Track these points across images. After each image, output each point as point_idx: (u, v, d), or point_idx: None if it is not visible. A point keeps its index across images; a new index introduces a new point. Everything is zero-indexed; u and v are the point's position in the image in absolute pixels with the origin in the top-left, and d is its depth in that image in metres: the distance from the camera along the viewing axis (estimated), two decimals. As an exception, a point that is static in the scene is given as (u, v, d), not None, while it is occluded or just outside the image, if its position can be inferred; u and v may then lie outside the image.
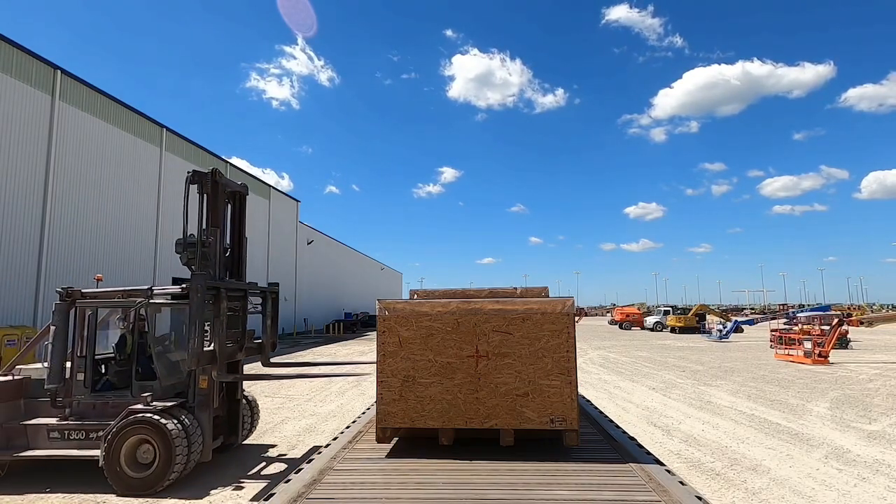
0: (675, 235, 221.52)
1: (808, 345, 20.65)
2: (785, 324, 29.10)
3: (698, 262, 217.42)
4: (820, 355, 20.03)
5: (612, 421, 4.51)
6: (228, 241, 7.88)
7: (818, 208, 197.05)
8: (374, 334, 3.98)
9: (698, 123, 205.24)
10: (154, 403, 6.43)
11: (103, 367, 7.38)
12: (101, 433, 6.48)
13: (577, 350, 3.50)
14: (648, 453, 3.42)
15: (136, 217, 25.34)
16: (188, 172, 7.14)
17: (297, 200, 47.77)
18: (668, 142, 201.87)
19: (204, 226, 7.07)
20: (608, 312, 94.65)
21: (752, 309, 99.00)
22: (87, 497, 6.30)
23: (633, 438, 3.83)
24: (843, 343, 25.22)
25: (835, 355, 21.40)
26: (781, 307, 75.78)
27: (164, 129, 27.86)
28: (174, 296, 7.25)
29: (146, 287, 7.08)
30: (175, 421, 6.25)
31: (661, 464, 3.15)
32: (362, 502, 2.68)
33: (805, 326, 24.27)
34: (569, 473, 3.03)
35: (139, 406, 6.39)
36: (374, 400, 3.73)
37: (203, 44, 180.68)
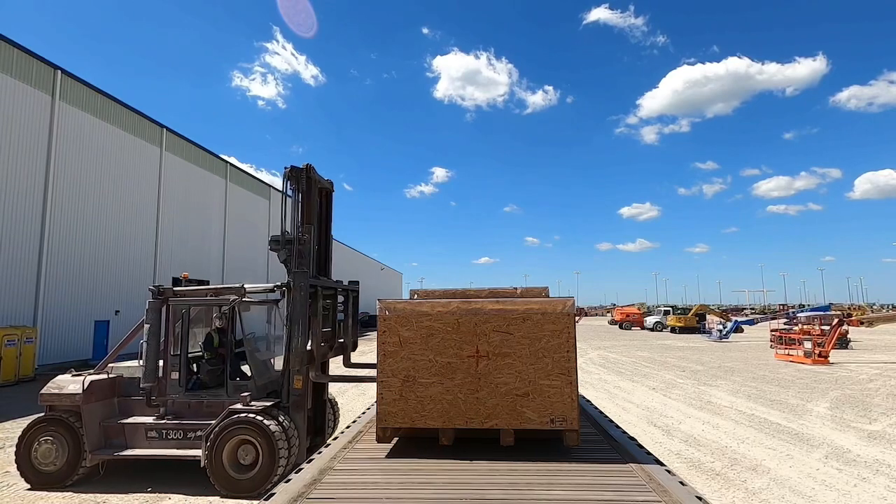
0: (671, 235, 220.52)
1: (808, 345, 20.65)
2: (785, 324, 29.09)
3: (696, 261, 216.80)
4: (820, 355, 20.03)
5: (612, 421, 4.51)
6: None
7: (813, 207, 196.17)
8: (374, 334, 3.98)
9: (688, 122, 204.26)
10: (252, 404, 6.36)
11: (194, 365, 7.33)
12: (199, 433, 6.44)
13: (578, 350, 3.50)
14: (649, 453, 3.41)
15: (136, 217, 25.34)
16: (286, 168, 6.96)
17: (297, 200, 47.77)
18: (659, 141, 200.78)
19: (298, 223, 6.85)
20: (608, 312, 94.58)
21: (752, 309, 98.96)
22: (87, 497, 6.32)
23: (633, 438, 3.83)
24: (843, 343, 25.22)
25: (835, 355, 21.40)
26: (781, 307, 75.73)
27: (165, 130, 27.86)
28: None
29: (238, 285, 7.00)
30: (276, 422, 6.19)
31: (662, 464, 3.15)
32: (362, 502, 2.67)
33: (805, 326, 24.27)
34: (569, 473, 3.02)
35: (239, 406, 6.31)
36: (375, 400, 3.73)
37: (182, 44, 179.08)
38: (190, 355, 7.33)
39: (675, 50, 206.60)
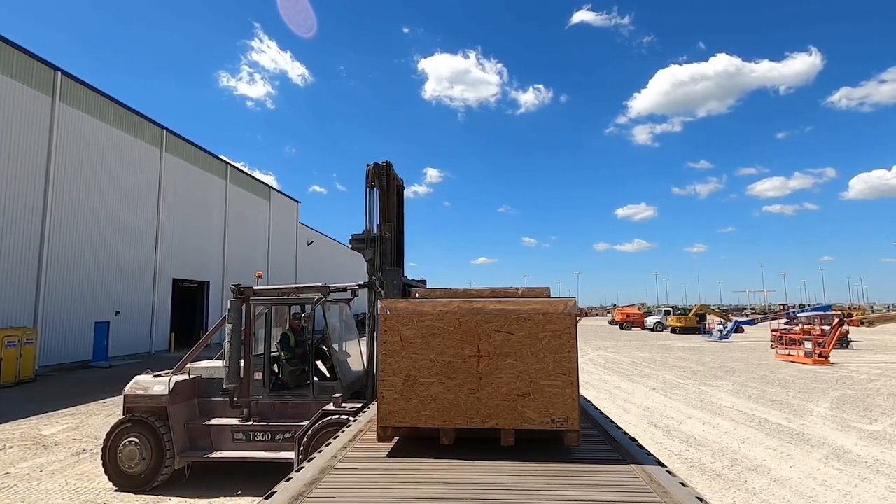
0: (668, 236, 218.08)
1: (808, 345, 20.65)
2: (785, 324, 29.10)
3: (695, 262, 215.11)
4: (821, 355, 20.03)
5: (612, 421, 4.51)
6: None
7: (809, 207, 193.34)
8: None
9: (680, 122, 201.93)
10: (343, 405, 6.24)
11: (275, 366, 7.23)
12: (286, 434, 6.33)
13: (578, 350, 3.50)
14: (650, 454, 3.41)
15: (136, 218, 25.36)
16: (368, 165, 6.73)
17: (297, 201, 47.82)
18: (651, 141, 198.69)
19: (377, 221, 6.73)
20: (608, 312, 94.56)
21: (752, 309, 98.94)
22: (88, 498, 6.31)
23: (634, 439, 3.82)
24: (843, 343, 25.21)
25: (835, 355, 21.40)
26: (782, 307, 75.69)
27: (165, 131, 27.88)
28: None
29: (322, 284, 6.89)
30: None
31: (663, 465, 3.14)
32: (363, 501, 2.67)
33: (805, 326, 24.28)
34: (569, 474, 3.02)
35: (331, 407, 6.18)
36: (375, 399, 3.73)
37: (166, 42, 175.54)
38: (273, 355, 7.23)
39: (664, 49, 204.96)
